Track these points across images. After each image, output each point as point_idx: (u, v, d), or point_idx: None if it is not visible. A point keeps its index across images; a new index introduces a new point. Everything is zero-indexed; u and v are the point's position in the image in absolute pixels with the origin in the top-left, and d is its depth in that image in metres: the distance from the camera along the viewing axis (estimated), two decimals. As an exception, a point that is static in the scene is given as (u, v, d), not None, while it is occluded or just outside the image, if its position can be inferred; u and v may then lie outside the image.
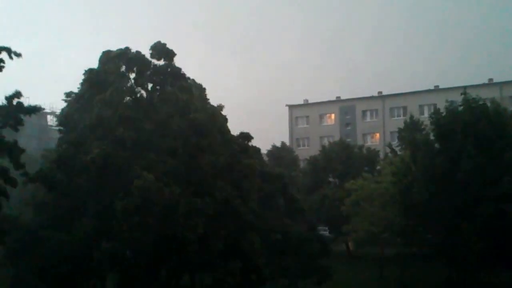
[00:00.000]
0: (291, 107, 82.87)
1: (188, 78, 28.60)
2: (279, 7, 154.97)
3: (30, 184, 26.53)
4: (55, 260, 22.78)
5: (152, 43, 27.25)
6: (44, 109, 22.20)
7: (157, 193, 22.14)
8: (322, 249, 33.79)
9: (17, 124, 21.20)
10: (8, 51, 20.68)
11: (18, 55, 20.82)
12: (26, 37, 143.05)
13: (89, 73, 27.10)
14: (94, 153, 23.08)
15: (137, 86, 26.92)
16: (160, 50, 27.05)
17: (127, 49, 26.96)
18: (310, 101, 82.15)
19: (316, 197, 49.59)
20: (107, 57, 27.04)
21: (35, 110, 22.05)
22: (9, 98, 21.35)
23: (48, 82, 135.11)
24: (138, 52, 27.09)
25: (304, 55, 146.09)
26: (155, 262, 24.59)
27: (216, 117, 27.46)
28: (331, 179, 54.92)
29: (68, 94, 27.96)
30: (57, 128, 29.81)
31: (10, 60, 20.73)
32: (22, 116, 21.44)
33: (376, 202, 39.54)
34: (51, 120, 70.48)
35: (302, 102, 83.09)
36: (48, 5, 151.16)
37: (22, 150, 21.14)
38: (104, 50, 27.36)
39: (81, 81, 27.82)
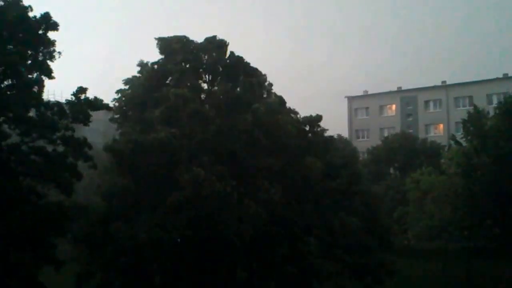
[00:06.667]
0: (350, 98, 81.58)
1: (250, 65, 27.54)
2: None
3: (96, 176, 27.56)
4: (120, 252, 22.66)
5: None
6: (112, 108, 22.30)
7: (208, 187, 21.18)
8: (381, 243, 32.74)
9: (86, 119, 21.48)
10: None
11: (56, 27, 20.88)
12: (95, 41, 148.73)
13: (146, 68, 27.22)
14: (161, 135, 22.56)
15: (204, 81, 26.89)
16: (214, 42, 26.80)
17: (187, 40, 26.74)
18: (369, 92, 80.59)
19: (377, 188, 48.51)
20: (167, 48, 26.81)
21: (103, 106, 22.13)
22: (76, 94, 21.54)
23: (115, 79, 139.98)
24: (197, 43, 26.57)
25: (363, 45, 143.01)
26: (204, 260, 23.84)
27: (277, 116, 25.29)
28: (391, 172, 53.77)
29: (126, 82, 27.74)
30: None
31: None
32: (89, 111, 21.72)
33: (438, 194, 38.16)
34: None
35: (361, 93, 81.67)
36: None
37: (90, 146, 21.76)
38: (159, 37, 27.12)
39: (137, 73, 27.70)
